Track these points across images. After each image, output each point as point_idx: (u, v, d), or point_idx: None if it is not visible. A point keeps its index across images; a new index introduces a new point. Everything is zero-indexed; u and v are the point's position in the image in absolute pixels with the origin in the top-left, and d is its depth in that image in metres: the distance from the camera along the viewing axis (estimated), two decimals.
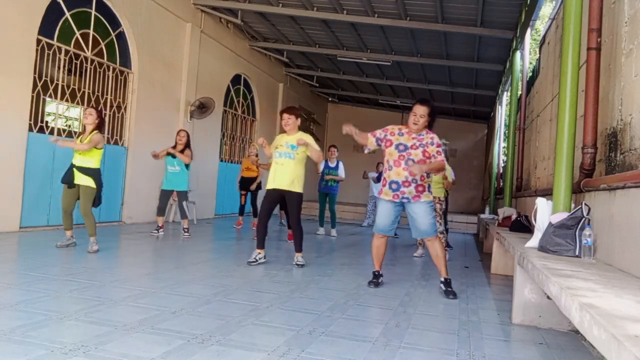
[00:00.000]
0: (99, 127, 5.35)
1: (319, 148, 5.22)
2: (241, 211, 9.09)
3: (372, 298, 3.93)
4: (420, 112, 4.16)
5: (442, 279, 4.28)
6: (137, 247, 5.98)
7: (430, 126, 4.28)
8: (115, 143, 8.17)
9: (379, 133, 4.33)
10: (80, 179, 5.19)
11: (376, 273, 4.48)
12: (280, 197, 5.17)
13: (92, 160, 5.24)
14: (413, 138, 4.20)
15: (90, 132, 5.26)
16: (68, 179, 5.20)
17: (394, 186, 4.18)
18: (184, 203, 7.21)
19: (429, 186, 4.27)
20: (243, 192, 8.98)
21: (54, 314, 2.88)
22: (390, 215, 4.25)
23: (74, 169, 5.19)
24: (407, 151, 4.15)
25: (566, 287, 2.00)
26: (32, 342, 2.38)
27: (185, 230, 7.13)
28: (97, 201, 5.32)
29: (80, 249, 5.29)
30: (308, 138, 5.16)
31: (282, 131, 5.37)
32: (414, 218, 4.21)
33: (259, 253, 5.18)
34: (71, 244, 5.39)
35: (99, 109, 5.73)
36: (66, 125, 10.89)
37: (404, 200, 4.18)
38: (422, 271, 5.50)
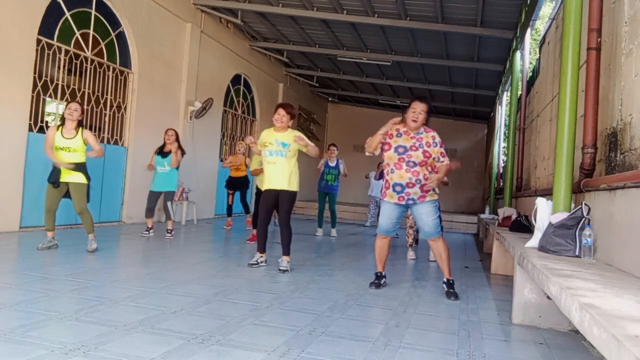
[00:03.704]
0: (81, 122, 5.20)
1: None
2: (229, 212, 8.90)
3: (372, 298, 3.93)
4: (419, 108, 4.09)
5: (445, 280, 4.24)
6: (137, 247, 5.97)
7: (426, 123, 4.20)
8: (115, 143, 8.17)
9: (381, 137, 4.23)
10: (70, 177, 5.05)
11: (378, 274, 4.42)
12: (275, 197, 4.91)
13: (80, 154, 5.12)
14: (412, 138, 4.11)
15: (77, 129, 5.10)
16: (55, 178, 5.01)
17: (398, 188, 4.09)
18: (169, 203, 7.02)
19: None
20: (230, 192, 8.81)
21: (54, 314, 2.88)
22: (392, 216, 4.20)
23: (61, 168, 5.01)
24: (407, 153, 4.06)
25: (566, 287, 2.00)
26: (32, 342, 2.38)
27: (169, 231, 6.91)
28: (87, 197, 5.18)
29: (80, 249, 5.28)
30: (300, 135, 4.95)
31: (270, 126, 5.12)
32: (418, 218, 4.17)
33: (261, 257, 5.03)
34: (53, 246, 5.17)
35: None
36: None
37: (410, 202, 4.11)
38: (421, 271, 5.50)
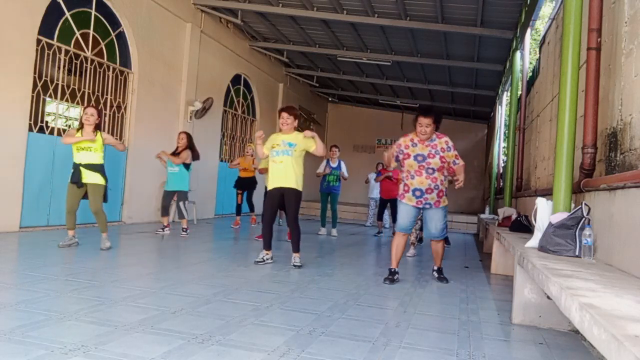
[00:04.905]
0: (98, 126, 5.41)
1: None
2: (238, 211, 9.17)
3: (372, 298, 3.93)
4: (425, 122, 4.43)
5: (435, 268, 4.91)
6: (137, 247, 5.98)
7: (437, 128, 4.53)
8: None
9: (395, 152, 4.62)
10: (89, 177, 5.25)
11: (392, 270, 4.68)
12: (281, 196, 5.11)
13: (99, 156, 5.34)
14: (427, 146, 4.48)
15: (95, 132, 5.32)
16: (78, 179, 5.23)
17: (417, 193, 4.50)
18: (181, 203, 7.29)
19: (446, 189, 4.62)
20: (239, 192, 9.09)
21: (54, 314, 2.88)
22: (410, 216, 4.60)
23: (81, 168, 5.23)
24: (426, 161, 4.46)
25: (566, 287, 1.99)
26: (32, 342, 2.38)
27: (184, 230, 7.24)
28: (105, 197, 5.39)
29: (80, 249, 5.29)
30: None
31: (278, 130, 5.38)
32: (429, 221, 4.63)
33: (267, 254, 5.21)
34: (73, 244, 5.40)
35: (99, 108, 5.77)
36: (66, 126, 10.89)
37: (427, 206, 4.54)
38: (421, 271, 5.50)
